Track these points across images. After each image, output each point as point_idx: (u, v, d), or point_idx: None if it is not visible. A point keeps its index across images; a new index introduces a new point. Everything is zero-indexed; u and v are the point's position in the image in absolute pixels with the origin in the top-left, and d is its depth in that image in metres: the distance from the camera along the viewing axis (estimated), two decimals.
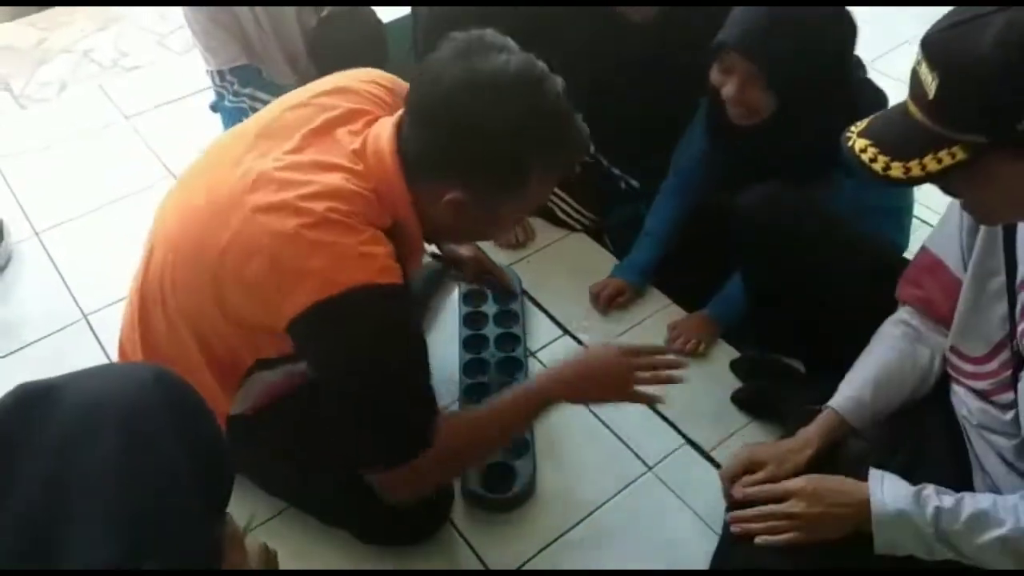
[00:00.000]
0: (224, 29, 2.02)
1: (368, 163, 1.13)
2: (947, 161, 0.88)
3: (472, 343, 1.78)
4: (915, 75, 0.90)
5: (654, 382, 1.31)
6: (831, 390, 1.26)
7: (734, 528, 1.16)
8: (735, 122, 1.54)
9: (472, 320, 1.83)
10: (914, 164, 0.90)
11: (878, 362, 1.24)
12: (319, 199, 1.07)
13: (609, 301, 1.89)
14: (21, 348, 1.84)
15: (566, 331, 1.86)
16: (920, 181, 0.90)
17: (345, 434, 1.20)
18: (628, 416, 1.66)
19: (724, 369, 1.76)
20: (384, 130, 1.15)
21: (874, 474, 1.10)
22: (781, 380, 1.69)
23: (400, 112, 1.16)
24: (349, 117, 1.19)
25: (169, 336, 1.22)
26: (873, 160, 0.93)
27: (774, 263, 1.50)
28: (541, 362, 1.78)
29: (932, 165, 0.88)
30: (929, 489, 1.06)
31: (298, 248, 1.06)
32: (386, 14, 2.23)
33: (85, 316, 1.91)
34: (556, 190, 2.08)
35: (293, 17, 2.11)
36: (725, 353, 1.80)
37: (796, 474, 1.18)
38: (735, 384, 1.72)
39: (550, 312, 1.90)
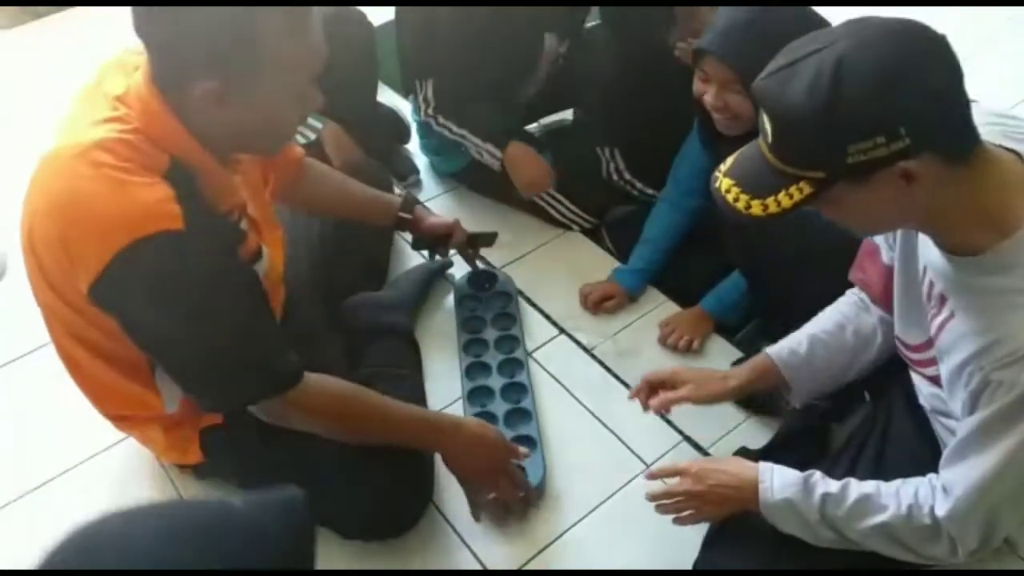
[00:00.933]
0: None
1: (130, 103, 1.10)
2: (797, 196, 0.92)
3: (472, 347, 1.79)
4: (760, 117, 0.94)
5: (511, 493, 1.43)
6: None
7: (655, 507, 1.26)
8: (721, 131, 1.55)
9: (470, 324, 1.84)
10: (771, 201, 0.94)
11: (820, 321, 1.34)
12: (77, 161, 1.05)
13: (597, 304, 1.90)
14: (15, 359, 1.84)
15: (562, 330, 1.86)
16: (779, 215, 0.94)
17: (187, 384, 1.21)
18: (625, 414, 1.66)
19: (722, 365, 1.74)
20: (143, 69, 1.12)
21: (765, 466, 1.17)
22: None
23: None
24: (118, 70, 1.16)
25: (80, 351, 1.25)
26: (736, 200, 0.97)
27: (759, 257, 1.51)
28: (539, 362, 1.78)
29: (785, 201, 0.93)
30: (817, 475, 1.12)
31: (67, 220, 1.06)
32: (377, 17, 2.22)
33: None
34: (553, 193, 2.07)
35: None
36: (722, 349, 1.80)
37: (714, 399, 1.31)
38: None
39: (546, 312, 1.91)
